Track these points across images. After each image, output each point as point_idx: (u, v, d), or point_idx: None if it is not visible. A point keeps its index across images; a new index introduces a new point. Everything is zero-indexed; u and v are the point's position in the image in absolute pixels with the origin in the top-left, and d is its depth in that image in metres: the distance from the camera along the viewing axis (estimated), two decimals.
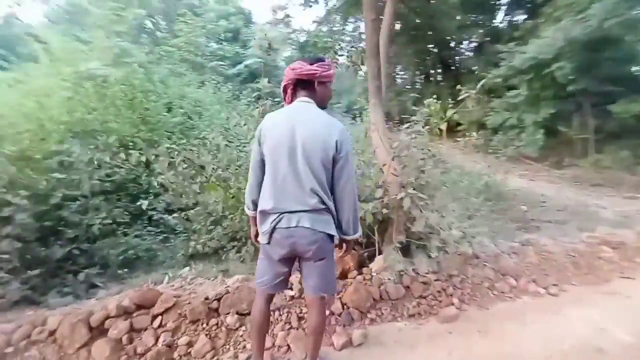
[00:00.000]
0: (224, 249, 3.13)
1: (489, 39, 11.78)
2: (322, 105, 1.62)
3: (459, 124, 11.07)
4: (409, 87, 15.80)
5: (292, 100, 1.58)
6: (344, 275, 2.58)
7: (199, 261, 3.07)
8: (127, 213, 3.50)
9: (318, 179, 1.45)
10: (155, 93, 6.88)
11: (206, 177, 3.04)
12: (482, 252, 2.92)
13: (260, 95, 9.91)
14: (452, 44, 13.66)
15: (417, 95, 10.44)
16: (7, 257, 2.46)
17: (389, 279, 2.49)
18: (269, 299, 1.69)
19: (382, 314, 2.33)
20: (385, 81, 3.72)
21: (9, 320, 2.17)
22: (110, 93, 5.81)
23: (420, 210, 2.45)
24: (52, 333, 1.99)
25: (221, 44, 11.06)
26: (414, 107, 3.17)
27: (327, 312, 2.13)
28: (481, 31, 12.65)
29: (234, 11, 12.28)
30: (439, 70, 15.08)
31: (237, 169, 3.11)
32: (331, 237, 1.53)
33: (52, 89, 5.89)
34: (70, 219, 3.00)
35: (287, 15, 8.44)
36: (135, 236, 3.46)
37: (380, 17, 2.95)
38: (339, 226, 1.58)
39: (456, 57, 14.15)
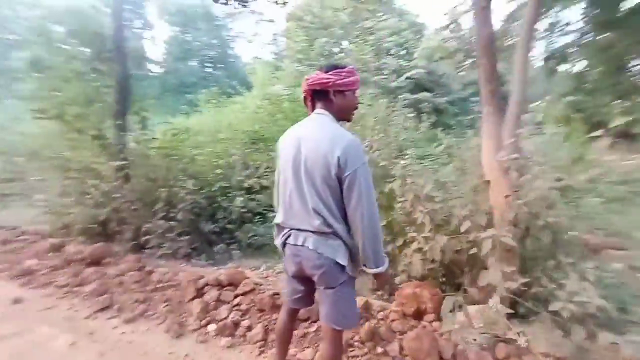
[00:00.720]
0: None
1: None
2: (343, 116, 1.48)
3: None
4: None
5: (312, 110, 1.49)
6: (417, 316, 2.18)
7: None
8: (261, 206, 4.25)
9: (322, 199, 1.34)
10: None
11: None
12: None
13: (421, 107, 9.59)
14: None
15: None
16: (181, 225, 3.53)
17: (474, 339, 1.91)
18: (291, 312, 1.69)
19: None
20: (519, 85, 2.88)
21: (171, 267, 3.13)
22: (284, 109, 7.23)
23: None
24: (179, 284, 2.74)
25: (386, 57, 11.46)
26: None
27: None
28: None
29: (405, 26, 12.47)
30: None
31: None
32: (342, 266, 1.37)
33: (250, 107, 8.01)
34: (222, 205, 3.98)
35: (455, 21, 7.75)
36: (265, 226, 4.14)
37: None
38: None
39: None
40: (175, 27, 27.40)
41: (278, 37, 17.58)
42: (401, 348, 1.99)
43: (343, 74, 1.39)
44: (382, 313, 2.25)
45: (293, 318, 1.71)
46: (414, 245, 2.04)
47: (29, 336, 2.28)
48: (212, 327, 2.30)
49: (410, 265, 2.12)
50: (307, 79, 1.43)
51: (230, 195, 4.07)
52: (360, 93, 7.92)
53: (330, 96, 1.40)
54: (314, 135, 1.36)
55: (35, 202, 4.00)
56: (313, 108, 1.47)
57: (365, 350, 2.02)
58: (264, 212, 4.31)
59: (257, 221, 4.26)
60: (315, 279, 1.42)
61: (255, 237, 3.95)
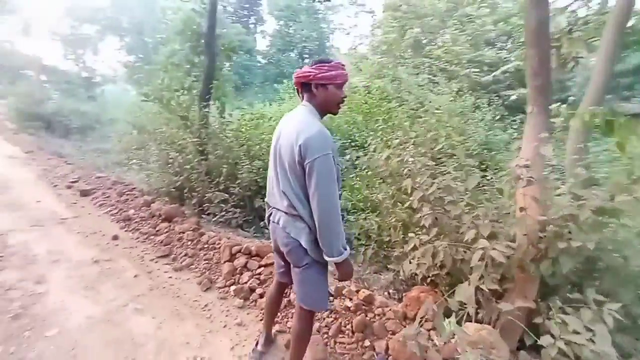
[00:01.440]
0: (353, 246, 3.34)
1: None
2: (326, 108, 1.51)
3: None
4: None
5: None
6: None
7: None
8: None
9: (289, 183, 1.44)
10: (400, 101, 7.67)
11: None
12: None
13: (511, 105, 8.38)
14: None
15: None
16: (237, 199, 4.04)
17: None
18: (278, 285, 1.85)
19: None
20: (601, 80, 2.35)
21: (220, 233, 3.65)
22: (355, 100, 7.28)
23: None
24: (220, 247, 3.19)
25: (485, 48, 10.13)
26: None
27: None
28: None
29: (517, 11, 10.75)
30: None
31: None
32: (304, 248, 1.47)
33: None
34: None
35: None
36: None
37: None
38: None
39: None
40: (281, 21, 29.61)
41: (375, 28, 17.43)
42: (387, 347, 1.96)
43: (325, 68, 1.44)
44: (380, 309, 2.23)
45: (280, 291, 1.86)
46: (416, 249, 1.94)
47: (112, 264, 3.03)
48: (233, 288, 2.65)
49: (417, 268, 2.03)
50: (296, 72, 1.52)
51: None
52: (446, 88, 7.37)
53: (313, 89, 1.47)
54: (289, 126, 1.46)
55: (144, 166, 5.10)
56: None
57: (354, 339, 2.06)
58: None
59: None
60: (286, 256, 1.56)
61: None
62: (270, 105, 10.49)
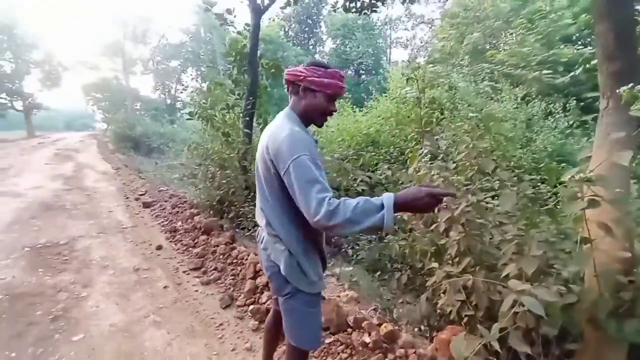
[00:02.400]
0: (384, 270, 3.01)
1: None
2: (309, 116, 1.29)
3: None
4: None
5: None
6: None
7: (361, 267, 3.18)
8: None
9: (266, 199, 1.25)
10: (457, 111, 7.07)
11: None
12: None
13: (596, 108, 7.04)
14: None
15: None
16: None
17: None
18: (275, 314, 1.65)
19: None
20: None
21: (252, 248, 3.61)
22: (403, 112, 6.88)
23: None
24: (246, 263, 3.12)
25: (560, 47, 8.73)
26: None
27: None
28: None
29: None
30: None
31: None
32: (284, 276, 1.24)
33: (374, 112, 8.03)
34: None
35: None
36: None
37: None
38: None
39: None
40: (337, 40, 30.41)
41: (433, 39, 16.79)
42: None
43: (319, 72, 1.23)
44: (403, 350, 1.86)
45: (277, 321, 1.63)
46: (445, 281, 1.56)
47: (149, 274, 3.18)
48: (251, 308, 2.52)
49: (445, 305, 1.65)
50: (288, 69, 1.32)
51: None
52: (511, 94, 6.60)
53: (300, 91, 1.27)
54: (264, 134, 1.29)
55: (193, 181, 5.46)
56: None
57: None
58: None
59: None
60: (271, 282, 1.36)
61: (336, 238, 3.98)
62: None
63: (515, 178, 2.32)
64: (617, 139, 1.37)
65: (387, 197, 1.02)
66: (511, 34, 9.27)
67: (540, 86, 7.93)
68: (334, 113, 1.34)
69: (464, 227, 1.55)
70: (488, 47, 10.44)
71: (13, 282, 2.93)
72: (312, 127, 1.44)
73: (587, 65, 7.37)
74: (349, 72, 30.44)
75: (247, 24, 4.90)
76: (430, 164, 1.88)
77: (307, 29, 34.86)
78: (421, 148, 2.05)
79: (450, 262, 1.62)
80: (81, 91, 29.14)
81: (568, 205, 1.17)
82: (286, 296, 1.28)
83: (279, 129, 1.20)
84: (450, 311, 1.81)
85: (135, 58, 29.37)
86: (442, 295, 1.70)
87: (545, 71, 7.93)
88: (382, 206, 1.00)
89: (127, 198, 6.36)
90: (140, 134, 16.88)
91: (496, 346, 1.04)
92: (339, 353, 1.95)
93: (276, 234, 1.25)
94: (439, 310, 2.16)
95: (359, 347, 1.94)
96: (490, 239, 1.50)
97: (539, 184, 2.81)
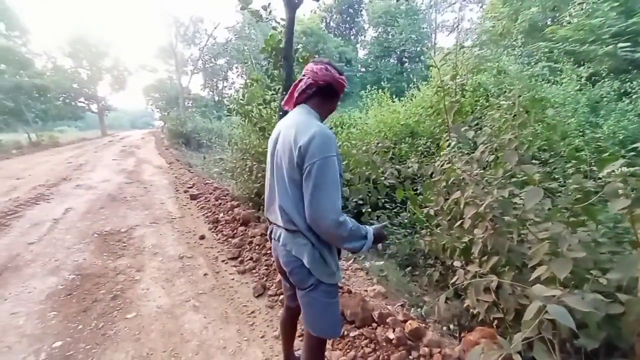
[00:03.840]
0: (416, 266, 2.93)
1: None
2: (323, 116, 1.37)
3: None
4: None
5: (296, 103, 1.36)
6: None
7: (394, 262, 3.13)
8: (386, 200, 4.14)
9: (287, 195, 1.26)
10: (505, 97, 6.54)
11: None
12: None
13: None
14: None
15: None
16: None
17: None
18: (287, 310, 1.70)
19: None
20: None
21: None
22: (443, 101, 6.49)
23: None
24: None
25: None
26: None
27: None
28: None
29: None
30: None
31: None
32: (308, 268, 1.27)
33: (415, 101, 7.68)
34: (343, 194, 4.20)
35: None
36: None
37: None
38: None
39: None
40: (379, 28, 29.46)
41: (484, 20, 15.53)
42: None
43: (343, 78, 1.34)
44: (428, 349, 1.80)
45: (291, 316, 1.71)
46: (473, 280, 1.45)
47: (192, 262, 3.45)
48: (281, 297, 2.63)
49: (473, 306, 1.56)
50: (320, 70, 1.31)
51: (352, 186, 4.23)
52: (572, 73, 5.96)
53: (329, 93, 1.34)
54: (287, 128, 1.29)
55: (234, 174, 5.76)
56: (303, 100, 1.35)
57: None
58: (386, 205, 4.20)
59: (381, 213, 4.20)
60: (289, 276, 1.39)
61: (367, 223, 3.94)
62: (360, 111, 10.39)
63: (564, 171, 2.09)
64: None
65: (369, 232, 1.26)
66: (580, 3, 8.10)
67: (614, 62, 6.88)
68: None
69: (491, 224, 1.43)
70: (549, 23, 9.34)
71: (84, 263, 3.37)
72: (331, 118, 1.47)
73: None
74: (392, 60, 29.41)
75: (282, 19, 4.95)
76: (460, 156, 1.77)
77: (348, 18, 34.23)
78: (448, 139, 1.93)
79: (476, 260, 1.53)
80: (142, 92, 32.06)
81: (610, 204, 1.02)
82: (309, 288, 1.31)
83: (307, 124, 1.21)
84: (479, 312, 1.71)
85: (186, 58, 31.37)
86: (447, 300, 1.61)
87: (621, 44, 6.80)
88: (365, 236, 1.24)
89: (177, 190, 6.91)
90: (191, 130, 18.10)
91: (517, 358, 0.97)
92: (362, 347, 1.96)
93: (297, 229, 1.26)
94: (471, 310, 2.06)
95: (382, 343, 1.92)
96: (522, 238, 1.38)
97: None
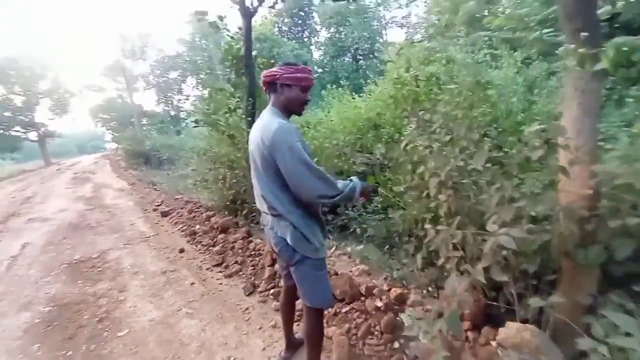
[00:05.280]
0: (393, 244, 3.16)
1: None
2: (289, 109, 1.51)
3: None
4: None
5: None
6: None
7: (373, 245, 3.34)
8: None
9: (266, 185, 1.45)
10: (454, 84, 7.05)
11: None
12: None
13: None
14: None
15: None
16: None
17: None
18: (286, 290, 1.84)
19: None
20: None
21: None
22: (404, 92, 6.90)
23: None
24: (264, 253, 3.33)
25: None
26: None
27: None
28: None
29: None
30: None
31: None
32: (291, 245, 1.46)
33: (373, 96, 8.07)
34: None
35: None
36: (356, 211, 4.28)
37: None
38: None
39: None
40: (331, 29, 30.10)
41: (429, 15, 16.48)
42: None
43: (291, 69, 1.46)
44: (412, 309, 2.03)
45: (289, 296, 1.85)
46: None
47: (176, 274, 3.43)
48: (272, 291, 2.74)
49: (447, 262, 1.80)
50: (264, 72, 1.54)
51: None
52: (509, 58, 6.49)
53: (278, 88, 1.49)
54: (254, 130, 1.50)
55: (205, 185, 5.72)
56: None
57: (382, 341, 1.93)
58: None
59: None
60: (280, 257, 1.57)
61: (345, 220, 4.16)
62: (323, 111, 10.64)
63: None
64: (583, 91, 1.48)
65: (356, 179, 1.48)
66: None
67: (542, 46, 7.75)
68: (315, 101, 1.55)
69: (452, 190, 1.68)
70: (486, 14, 10.21)
71: (58, 294, 3.23)
72: (297, 119, 1.63)
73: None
74: (347, 59, 30.17)
75: (239, 27, 5.03)
76: (421, 136, 2.02)
77: (300, 21, 34.52)
78: (408, 124, 2.18)
79: (443, 223, 1.77)
80: (89, 114, 30.01)
81: (531, 154, 1.30)
82: (296, 264, 1.49)
83: (269, 123, 1.40)
84: (451, 268, 1.96)
85: (136, 75, 29.88)
86: (419, 254, 1.86)
87: (545, 30, 7.72)
88: (353, 189, 1.44)
89: (146, 210, 6.69)
90: (150, 148, 17.35)
91: (481, 279, 1.22)
92: (354, 319, 2.14)
93: (278, 213, 1.45)
94: (445, 274, 2.32)
95: (372, 312, 2.12)
96: (477, 200, 1.63)
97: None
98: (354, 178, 1.49)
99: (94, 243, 4.77)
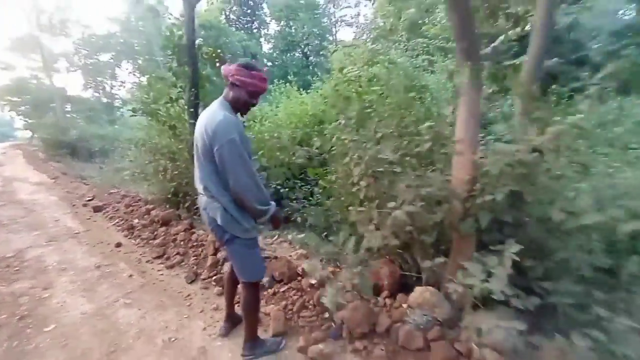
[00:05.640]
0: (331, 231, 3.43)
1: None
2: (235, 106, 1.65)
3: None
4: None
5: None
6: (375, 292, 2.17)
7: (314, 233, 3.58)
8: (302, 184, 4.58)
9: (204, 169, 1.61)
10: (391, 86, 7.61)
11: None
12: None
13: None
14: None
15: None
16: None
17: (413, 319, 1.81)
18: (231, 267, 1.97)
19: (373, 350, 1.81)
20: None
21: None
22: (346, 90, 7.29)
23: None
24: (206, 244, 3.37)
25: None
26: None
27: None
28: None
29: None
30: None
31: None
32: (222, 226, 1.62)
33: (320, 93, 8.37)
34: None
35: None
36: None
37: None
38: None
39: None
40: (281, 22, 29.78)
41: (376, 17, 17.22)
42: (342, 318, 2.05)
43: (244, 72, 1.59)
44: (340, 283, 2.31)
45: (232, 271, 1.99)
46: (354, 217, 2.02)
47: (112, 268, 3.30)
48: (214, 278, 2.83)
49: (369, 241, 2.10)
50: (224, 66, 1.66)
51: (270, 170, 4.55)
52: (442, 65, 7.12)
53: (229, 84, 1.63)
54: (201, 119, 1.63)
55: (144, 178, 5.44)
56: None
57: (314, 313, 2.17)
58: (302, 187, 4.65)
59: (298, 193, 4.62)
60: (211, 234, 1.74)
61: (289, 211, 4.34)
62: (270, 105, 10.66)
63: None
64: (468, 98, 1.86)
65: (273, 205, 1.67)
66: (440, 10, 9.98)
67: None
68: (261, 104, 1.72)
69: (372, 177, 1.98)
70: (426, 21, 11.12)
71: None
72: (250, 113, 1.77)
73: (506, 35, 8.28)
74: (297, 54, 30.16)
75: (181, 15, 4.86)
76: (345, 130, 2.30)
77: (249, 11, 33.43)
78: (337, 120, 2.45)
79: (366, 206, 2.07)
80: None
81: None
82: (227, 242, 1.66)
83: (215, 114, 1.54)
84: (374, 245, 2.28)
85: (57, 53, 26.21)
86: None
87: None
88: (269, 204, 1.64)
89: (74, 205, 6.13)
90: (77, 139, 15.58)
91: (376, 243, 1.54)
92: (291, 296, 2.36)
93: (212, 195, 1.60)
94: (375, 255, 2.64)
95: (307, 289, 2.35)
96: (391, 184, 1.95)
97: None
98: (273, 203, 1.67)
99: (7, 241, 4.29)
